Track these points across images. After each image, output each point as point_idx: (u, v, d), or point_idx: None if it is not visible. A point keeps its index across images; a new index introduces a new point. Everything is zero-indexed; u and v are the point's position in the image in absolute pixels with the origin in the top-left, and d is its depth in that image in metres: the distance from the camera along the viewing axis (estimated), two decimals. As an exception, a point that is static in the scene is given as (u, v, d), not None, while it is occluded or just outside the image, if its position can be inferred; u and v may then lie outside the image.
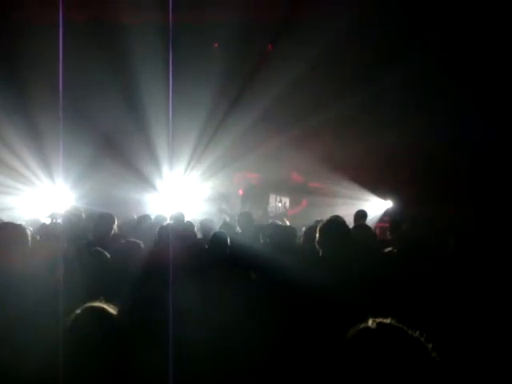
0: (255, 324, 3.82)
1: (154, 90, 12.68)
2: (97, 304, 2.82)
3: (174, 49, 12.06)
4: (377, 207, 13.51)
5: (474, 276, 3.89)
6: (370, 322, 2.01)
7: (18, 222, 4.03)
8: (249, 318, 3.83)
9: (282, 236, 5.85)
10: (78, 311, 2.75)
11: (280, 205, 13.79)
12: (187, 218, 8.52)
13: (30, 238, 3.81)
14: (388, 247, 5.82)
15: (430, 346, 1.95)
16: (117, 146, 14.17)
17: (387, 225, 11.94)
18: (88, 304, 2.81)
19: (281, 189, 13.91)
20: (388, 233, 10.66)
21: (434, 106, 12.88)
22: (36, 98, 12.47)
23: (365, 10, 11.68)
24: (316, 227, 5.44)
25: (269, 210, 13.35)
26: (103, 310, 2.79)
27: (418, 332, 1.97)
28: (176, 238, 4.96)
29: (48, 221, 8.20)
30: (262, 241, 6.79)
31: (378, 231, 11.90)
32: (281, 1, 12.63)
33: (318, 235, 4.43)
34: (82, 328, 2.68)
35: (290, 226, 6.87)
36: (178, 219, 7.65)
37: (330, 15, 12.34)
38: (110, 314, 2.78)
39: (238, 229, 6.84)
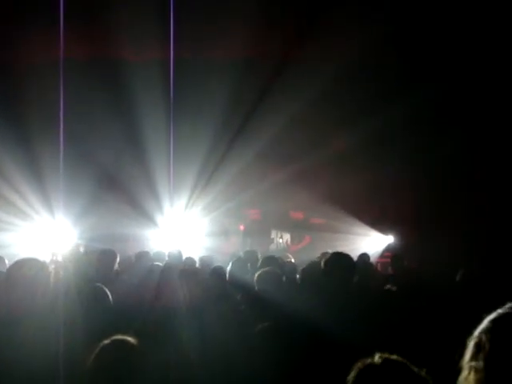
0: (255, 361, 3.78)
1: (154, 126, 12.78)
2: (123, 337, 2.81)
3: (175, 85, 12.20)
4: (378, 242, 13.49)
5: (478, 314, 3.85)
6: (375, 358, 2.00)
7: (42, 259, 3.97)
8: (248, 355, 3.80)
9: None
10: (104, 344, 2.74)
11: (281, 241, 13.76)
12: (188, 254, 8.50)
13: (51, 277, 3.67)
14: (390, 283, 5.80)
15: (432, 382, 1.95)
16: (118, 182, 14.20)
17: (388, 260, 11.94)
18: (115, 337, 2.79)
19: (282, 225, 13.90)
20: (389, 268, 10.64)
21: (436, 143, 12.95)
22: (37, 133, 12.54)
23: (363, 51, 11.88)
24: (316, 263, 5.43)
25: (270, 246, 13.32)
26: (130, 343, 2.78)
27: (422, 369, 1.97)
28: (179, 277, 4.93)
29: (48, 259, 8.16)
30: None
31: (379, 266, 11.87)
32: (279, 39, 12.83)
33: (323, 267, 4.43)
34: (107, 360, 2.66)
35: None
36: (176, 257, 7.63)
37: (329, 54, 12.54)
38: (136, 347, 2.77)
39: (249, 265, 6.80)
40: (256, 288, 4.92)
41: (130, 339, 2.81)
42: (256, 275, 4.99)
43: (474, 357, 1.70)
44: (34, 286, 3.43)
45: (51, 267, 3.73)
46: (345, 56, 12.20)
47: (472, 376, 1.68)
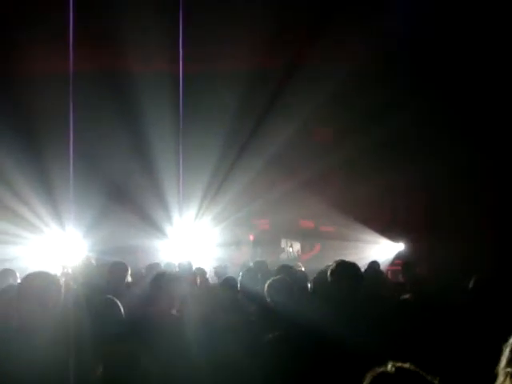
0: (265, 370, 3.78)
1: (164, 137, 12.80)
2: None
3: (184, 96, 12.25)
4: (388, 250, 13.43)
5: (492, 322, 3.81)
6: (388, 367, 1.99)
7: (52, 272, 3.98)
8: (258, 365, 3.79)
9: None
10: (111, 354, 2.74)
11: (291, 250, 13.70)
12: (199, 264, 8.50)
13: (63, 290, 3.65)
14: (402, 291, 5.77)
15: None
16: (127, 193, 14.23)
17: (399, 268, 11.88)
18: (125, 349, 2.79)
19: (292, 234, 13.86)
20: (400, 276, 10.58)
21: (447, 148, 12.92)
22: (46, 145, 12.60)
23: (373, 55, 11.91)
24: (325, 272, 5.41)
25: (281, 255, 13.27)
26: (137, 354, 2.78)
27: (436, 378, 1.95)
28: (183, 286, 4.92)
29: (59, 271, 8.18)
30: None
31: (389, 274, 11.81)
32: (287, 48, 12.85)
33: (329, 276, 4.42)
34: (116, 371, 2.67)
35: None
36: (186, 268, 7.62)
37: (338, 60, 12.56)
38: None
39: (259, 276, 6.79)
40: (267, 297, 4.91)
41: (137, 350, 2.81)
42: (266, 284, 4.98)
43: (510, 363, 1.68)
44: (46, 299, 3.44)
45: (62, 280, 3.71)
46: (354, 60, 12.25)
47: (508, 382, 1.67)
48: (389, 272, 12.22)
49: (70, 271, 7.77)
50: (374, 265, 8.63)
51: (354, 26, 11.89)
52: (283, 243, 13.73)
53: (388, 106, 12.68)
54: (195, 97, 12.76)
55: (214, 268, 8.29)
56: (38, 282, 3.50)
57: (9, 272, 6.31)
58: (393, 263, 13.11)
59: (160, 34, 12.05)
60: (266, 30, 11.72)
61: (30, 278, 3.58)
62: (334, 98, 12.25)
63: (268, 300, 4.87)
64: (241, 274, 6.52)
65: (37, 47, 12.60)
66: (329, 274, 4.58)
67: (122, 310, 4.39)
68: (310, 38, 12.66)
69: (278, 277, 5.20)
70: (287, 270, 6.27)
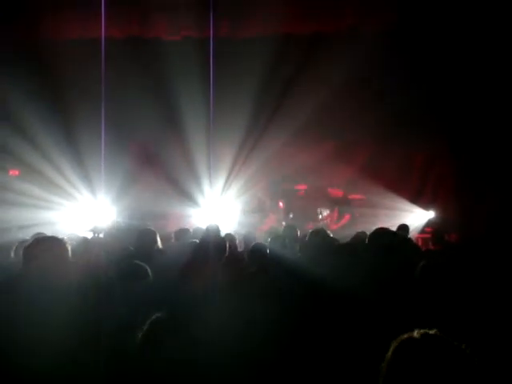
0: (290, 335, 3.81)
1: (194, 105, 12.78)
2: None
3: (215, 63, 12.18)
4: (418, 218, 13.33)
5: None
6: (414, 333, 1.98)
7: (60, 237, 4.05)
8: (283, 329, 3.82)
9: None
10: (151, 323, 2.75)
11: (320, 217, 13.64)
12: (228, 231, 8.54)
13: (70, 253, 3.80)
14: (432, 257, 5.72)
15: (475, 356, 1.92)
16: (157, 160, 14.33)
17: (429, 235, 11.81)
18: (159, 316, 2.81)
19: (322, 202, 13.79)
20: (430, 243, 10.52)
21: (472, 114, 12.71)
22: (77, 113, 12.69)
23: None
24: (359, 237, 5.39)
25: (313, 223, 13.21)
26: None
27: (463, 343, 1.94)
28: (214, 251, 4.94)
29: (90, 235, 8.29)
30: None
31: (419, 242, 11.75)
32: (318, 14, 12.68)
33: (368, 243, 4.44)
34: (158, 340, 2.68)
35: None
36: (214, 231, 7.63)
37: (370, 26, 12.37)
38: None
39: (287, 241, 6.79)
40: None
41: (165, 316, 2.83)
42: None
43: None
44: (51, 262, 3.58)
45: (68, 245, 3.82)
46: (385, 25, 12.06)
47: None
48: (419, 239, 12.16)
49: (100, 236, 7.87)
50: (402, 226, 8.58)
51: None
52: (318, 211, 13.64)
53: (416, 75, 12.48)
54: (225, 63, 12.67)
55: (243, 235, 8.29)
56: (44, 246, 3.67)
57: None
58: (423, 231, 13.02)
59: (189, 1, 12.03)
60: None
61: (35, 242, 3.76)
62: (363, 66, 12.07)
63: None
64: (269, 239, 6.54)
65: (65, 12, 12.66)
66: (367, 240, 4.60)
67: (151, 274, 4.42)
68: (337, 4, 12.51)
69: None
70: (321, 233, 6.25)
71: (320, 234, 5.53)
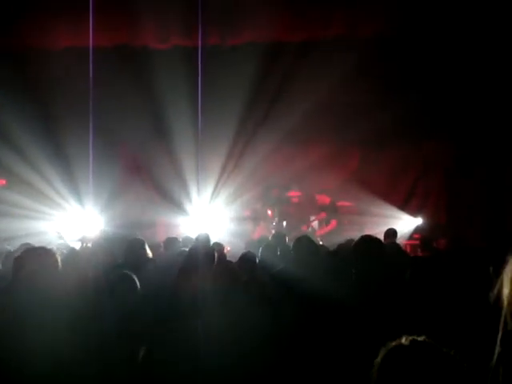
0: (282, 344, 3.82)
1: (182, 114, 12.77)
2: None
3: (203, 71, 12.20)
4: (406, 224, 13.36)
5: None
6: (402, 340, 1.99)
7: (49, 247, 4.04)
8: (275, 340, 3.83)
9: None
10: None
11: (307, 224, 13.57)
12: (217, 239, 8.52)
13: (60, 263, 3.78)
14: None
15: (464, 362, 1.93)
16: (145, 169, 14.32)
17: (417, 242, 11.84)
18: None
19: (310, 209, 13.77)
20: (419, 250, 10.55)
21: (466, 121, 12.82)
22: (65, 123, 12.67)
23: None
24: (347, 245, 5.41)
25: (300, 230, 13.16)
26: None
27: (452, 349, 1.95)
28: (204, 260, 4.94)
29: (78, 245, 8.27)
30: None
31: (408, 249, 11.78)
32: (308, 22, 12.73)
33: (353, 251, 4.45)
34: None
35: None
36: (203, 241, 7.62)
37: (357, 32, 12.44)
38: None
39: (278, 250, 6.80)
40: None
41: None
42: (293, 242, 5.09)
43: None
44: (41, 272, 3.56)
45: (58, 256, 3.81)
46: (373, 32, 12.14)
47: None
48: (407, 246, 12.19)
49: (89, 245, 7.86)
50: (390, 230, 8.59)
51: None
52: (312, 217, 13.60)
53: (406, 81, 12.57)
54: (214, 71, 12.69)
55: (231, 245, 8.28)
56: (34, 257, 3.67)
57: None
58: (411, 237, 13.06)
59: (178, 8, 12.05)
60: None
61: (25, 253, 3.77)
62: (352, 72, 12.13)
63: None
64: (260, 249, 6.55)
65: (54, 21, 12.64)
66: (352, 248, 4.61)
67: (139, 284, 4.42)
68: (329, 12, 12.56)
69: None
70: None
71: (302, 242, 5.51)
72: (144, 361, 2.84)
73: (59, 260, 3.78)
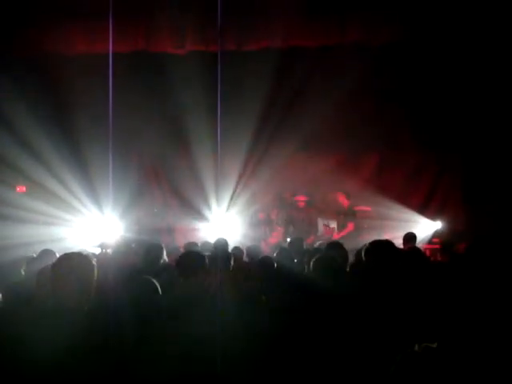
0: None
1: (201, 120, 12.81)
2: None
3: (222, 78, 12.23)
4: (425, 228, 13.28)
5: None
6: (416, 347, 2.01)
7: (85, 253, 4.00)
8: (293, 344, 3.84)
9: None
10: None
11: (321, 229, 13.51)
12: (235, 243, 8.57)
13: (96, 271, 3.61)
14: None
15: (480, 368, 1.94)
16: (164, 174, 14.40)
17: (437, 246, 11.77)
18: None
19: (326, 213, 13.73)
20: (439, 254, 10.47)
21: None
22: (84, 130, 12.76)
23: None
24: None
25: (317, 234, 13.14)
26: None
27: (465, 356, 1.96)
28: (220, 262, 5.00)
29: (98, 251, 8.35)
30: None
31: (427, 253, 11.71)
32: (324, 28, 12.74)
33: (364, 256, 4.45)
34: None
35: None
36: (222, 246, 7.66)
37: (372, 35, 12.44)
38: None
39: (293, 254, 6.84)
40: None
41: None
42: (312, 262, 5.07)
43: None
44: (80, 280, 3.45)
45: (95, 260, 3.70)
46: (390, 35, 12.13)
47: None
48: (427, 250, 12.12)
49: (108, 251, 7.92)
50: (410, 234, 8.52)
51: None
52: (319, 222, 13.57)
53: (424, 86, 12.56)
54: (232, 77, 12.72)
55: (247, 248, 8.30)
56: (71, 263, 3.53)
57: (48, 252, 6.29)
58: (431, 242, 12.97)
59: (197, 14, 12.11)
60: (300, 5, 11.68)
61: (63, 259, 3.62)
62: (369, 77, 12.15)
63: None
64: (275, 253, 6.58)
65: (77, 27, 12.77)
66: (363, 253, 4.60)
67: (160, 289, 4.45)
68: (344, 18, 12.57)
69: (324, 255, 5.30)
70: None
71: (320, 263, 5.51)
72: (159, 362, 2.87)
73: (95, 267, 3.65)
